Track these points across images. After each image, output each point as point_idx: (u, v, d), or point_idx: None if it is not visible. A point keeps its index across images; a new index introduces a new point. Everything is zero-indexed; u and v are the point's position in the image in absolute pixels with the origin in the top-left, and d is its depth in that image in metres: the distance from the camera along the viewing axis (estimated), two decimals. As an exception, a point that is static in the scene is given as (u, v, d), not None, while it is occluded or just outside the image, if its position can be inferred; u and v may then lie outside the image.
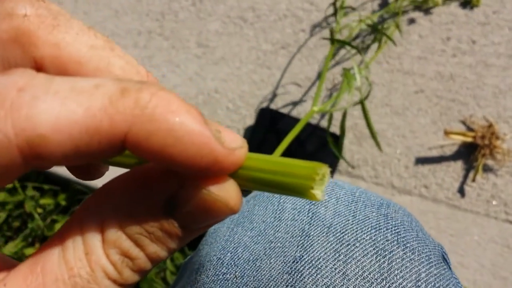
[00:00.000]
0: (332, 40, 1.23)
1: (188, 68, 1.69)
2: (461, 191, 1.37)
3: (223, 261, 0.56)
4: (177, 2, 1.78)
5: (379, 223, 0.54)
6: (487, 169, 1.36)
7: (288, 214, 0.57)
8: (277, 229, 0.56)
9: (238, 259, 0.56)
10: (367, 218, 0.54)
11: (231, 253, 0.57)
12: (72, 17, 0.30)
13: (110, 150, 0.24)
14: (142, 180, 0.27)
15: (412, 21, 1.51)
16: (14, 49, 0.28)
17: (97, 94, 0.23)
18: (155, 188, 0.27)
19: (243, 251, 0.56)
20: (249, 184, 0.28)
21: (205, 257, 0.60)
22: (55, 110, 0.22)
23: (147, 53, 1.75)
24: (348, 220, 0.54)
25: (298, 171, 0.26)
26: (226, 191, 0.27)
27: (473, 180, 1.34)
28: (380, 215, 0.55)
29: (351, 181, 1.46)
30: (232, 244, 0.58)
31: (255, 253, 0.56)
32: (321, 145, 1.47)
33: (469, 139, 1.32)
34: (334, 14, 1.37)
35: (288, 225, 0.56)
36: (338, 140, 1.46)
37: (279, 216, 0.58)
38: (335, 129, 1.49)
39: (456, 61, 1.46)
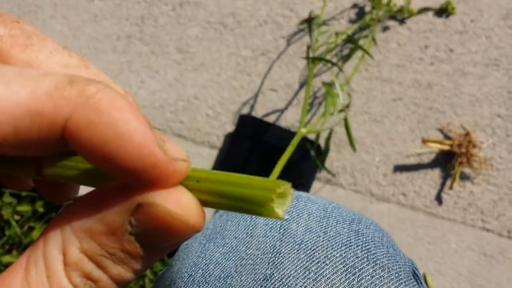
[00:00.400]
0: (312, 58, 1.23)
1: (168, 74, 1.68)
2: (439, 199, 1.38)
3: (194, 278, 0.56)
4: (157, 7, 1.77)
5: (350, 240, 0.54)
6: (464, 177, 1.37)
7: (260, 230, 0.57)
8: (249, 246, 0.56)
9: (209, 276, 0.55)
10: (338, 235, 0.54)
11: (202, 270, 0.57)
12: (47, 36, 0.30)
13: (50, 137, 0.24)
14: (102, 200, 0.27)
15: (388, 28, 1.52)
16: None
17: (44, 80, 0.24)
18: (115, 208, 0.26)
19: (214, 268, 0.56)
20: (207, 198, 0.27)
21: (176, 274, 0.59)
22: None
23: (126, 58, 1.74)
24: (319, 237, 0.54)
25: (258, 183, 0.26)
26: (184, 208, 0.26)
27: (451, 188, 1.35)
28: (351, 231, 0.55)
29: (330, 188, 1.46)
30: (204, 261, 0.58)
31: (226, 270, 0.55)
32: (302, 153, 1.47)
33: (446, 147, 1.33)
34: (309, 31, 1.37)
35: (260, 242, 0.56)
36: (320, 151, 1.46)
37: (251, 232, 0.57)
38: (318, 139, 1.49)
39: (434, 69, 1.47)
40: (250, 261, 0.55)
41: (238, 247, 0.56)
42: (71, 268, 0.26)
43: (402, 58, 1.50)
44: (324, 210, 0.58)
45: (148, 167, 0.24)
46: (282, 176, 1.46)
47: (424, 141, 1.34)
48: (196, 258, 0.58)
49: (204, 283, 0.55)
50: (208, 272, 0.56)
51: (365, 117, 1.48)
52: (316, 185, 1.47)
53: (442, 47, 1.48)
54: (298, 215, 0.57)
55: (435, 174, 1.40)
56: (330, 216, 0.57)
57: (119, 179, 0.26)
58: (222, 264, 0.56)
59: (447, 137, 1.39)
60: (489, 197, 1.36)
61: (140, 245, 0.26)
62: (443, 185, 1.38)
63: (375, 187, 1.43)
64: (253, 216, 0.59)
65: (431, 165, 1.40)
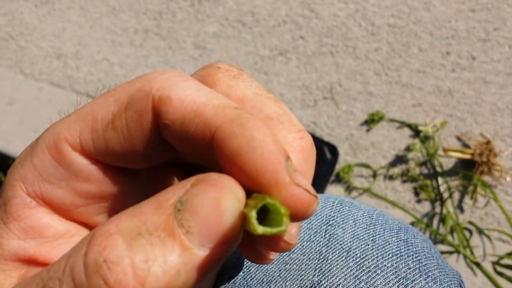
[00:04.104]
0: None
1: (184, 69, 1.67)
2: (460, 207, 1.37)
3: (234, 280, 0.55)
4: (175, 2, 1.76)
5: (400, 249, 0.52)
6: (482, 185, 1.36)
7: (304, 235, 0.56)
8: (293, 250, 0.55)
9: (251, 280, 0.54)
10: (387, 244, 0.53)
11: (243, 273, 0.55)
12: (253, 80, 0.36)
13: (203, 138, 0.28)
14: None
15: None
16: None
17: (220, 98, 0.29)
18: (170, 188, 0.27)
19: (256, 271, 0.55)
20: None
21: (214, 275, 0.58)
22: (188, 91, 0.29)
23: (143, 52, 1.72)
24: (368, 245, 0.53)
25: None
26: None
27: (471, 197, 1.33)
28: (400, 240, 0.54)
29: (344, 192, 1.45)
30: (244, 263, 0.56)
31: (269, 274, 0.54)
32: (317, 154, 1.45)
33: (467, 156, 1.32)
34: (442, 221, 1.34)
35: (304, 246, 0.54)
36: (334, 150, 1.45)
37: (294, 236, 0.56)
38: (330, 138, 1.48)
39: (455, 76, 1.46)
40: (294, 266, 0.53)
41: (281, 251, 0.55)
42: (94, 243, 0.24)
43: (423, 63, 1.49)
44: (369, 217, 0.56)
45: (270, 183, 0.26)
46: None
47: (445, 150, 1.32)
48: (236, 260, 0.57)
49: (245, 286, 0.54)
50: (249, 275, 0.55)
51: (383, 121, 1.46)
52: (330, 187, 1.46)
53: (464, 54, 1.47)
54: (343, 220, 0.56)
55: (454, 182, 1.38)
56: (377, 223, 0.55)
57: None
58: (264, 268, 0.55)
59: (465, 145, 1.38)
60: (506, 208, 1.35)
61: (181, 226, 0.25)
62: (463, 193, 1.37)
63: (390, 192, 1.42)
64: None
65: (449, 173, 1.39)
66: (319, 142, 1.46)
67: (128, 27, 1.76)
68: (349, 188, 1.44)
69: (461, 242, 1.29)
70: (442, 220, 1.35)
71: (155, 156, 0.32)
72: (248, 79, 0.35)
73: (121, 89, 0.31)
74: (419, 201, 1.39)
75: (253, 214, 0.25)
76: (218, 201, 0.25)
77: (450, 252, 1.32)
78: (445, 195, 1.37)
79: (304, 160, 0.34)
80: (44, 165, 0.31)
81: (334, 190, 1.46)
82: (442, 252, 1.34)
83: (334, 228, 0.55)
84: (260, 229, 0.25)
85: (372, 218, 0.56)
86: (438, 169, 1.38)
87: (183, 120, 0.28)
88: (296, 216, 0.27)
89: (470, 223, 1.34)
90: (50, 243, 0.32)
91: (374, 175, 1.43)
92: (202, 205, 0.25)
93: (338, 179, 1.46)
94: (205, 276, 0.26)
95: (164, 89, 0.29)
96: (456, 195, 1.37)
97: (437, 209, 1.38)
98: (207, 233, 0.25)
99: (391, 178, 1.43)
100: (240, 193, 0.26)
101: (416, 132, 1.42)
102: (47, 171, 0.31)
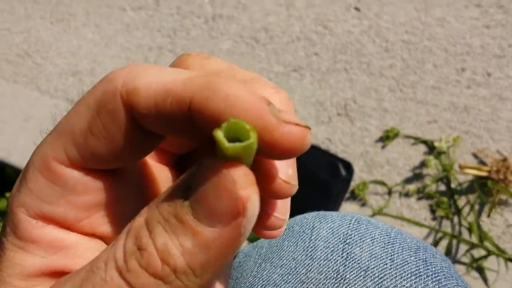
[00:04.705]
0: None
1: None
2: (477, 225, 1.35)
3: (252, 299, 0.54)
4: (189, 19, 1.77)
5: (419, 269, 0.52)
6: (499, 203, 1.34)
7: (321, 253, 0.55)
8: (309, 269, 0.54)
9: (268, 299, 0.54)
10: (406, 263, 0.52)
11: (260, 291, 0.55)
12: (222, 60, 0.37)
13: (180, 112, 0.28)
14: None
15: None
16: None
17: (185, 72, 0.30)
18: (180, 178, 0.28)
19: (273, 290, 0.54)
20: None
21: (230, 293, 0.57)
22: (151, 76, 0.29)
23: (157, 69, 1.73)
24: (386, 264, 0.52)
25: None
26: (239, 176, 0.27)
27: (488, 215, 1.32)
28: (419, 259, 0.53)
29: (359, 209, 1.44)
30: (261, 281, 0.56)
31: (286, 293, 0.53)
32: (331, 172, 1.45)
33: (483, 173, 1.31)
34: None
35: (321, 265, 0.54)
36: (349, 167, 1.44)
37: (311, 255, 0.55)
38: (345, 155, 1.47)
39: (471, 93, 1.45)
40: (312, 285, 0.53)
41: (297, 269, 0.54)
42: (130, 235, 0.28)
43: (438, 80, 1.48)
44: (387, 235, 0.56)
45: (260, 130, 0.26)
46: (312, 194, 1.43)
47: (461, 167, 1.31)
48: (252, 278, 0.57)
49: (263, 306, 0.53)
50: (266, 294, 0.54)
51: (399, 138, 1.45)
52: (345, 205, 1.45)
53: (479, 70, 1.46)
54: (360, 239, 0.55)
55: (470, 200, 1.37)
56: (395, 242, 0.55)
57: None
58: (281, 286, 0.54)
59: (482, 162, 1.37)
60: (524, 226, 1.33)
61: (189, 212, 0.27)
62: (480, 211, 1.35)
63: (406, 210, 1.40)
64: (312, 237, 0.57)
65: (466, 191, 1.37)
66: (333, 159, 1.46)
67: (142, 44, 1.77)
68: (364, 205, 1.43)
69: (494, 246, 1.28)
70: (459, 236, 1.34)
71: (142, 148, 0.33)
72: (220, 59, 0.36)
73: (88, 96, 0.31)
74: (435, 218, 1.38)
75: (219, 133, 0.25)
76: (215, 185, 0.26)
77: (479, 258, 1.30)
78: (462, 212, 1.35)
79: (285, 108, 0.34)
80: (39, 188, 0.32)
81: (349, 208, 1.44)
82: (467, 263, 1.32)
83: (352, 247, 0.54)
84: (230, 145, 0.25)
85: (390, 237, 0.56)
86: (454, 186, 1.37)
87: (156, 105, 0.29)
88: (294, 152, 0.28)
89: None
90: (72, 253, 0.34)
91: (389, 193, 1.42)
92: (202, 191, 0.27)
93: (353, 196, 1.45)
94: (228, 254, 0.27)
95: (128, 83, 0.29)
96: (473, 213, 1.35)
97: (455, 227, 1.36)
98: (212, 215, 0.26)
99: (406, 195, 1.41)
100: (234, 172, 0.27)
101: (431, 148, 1.41)
102: (44, 192, 0.32)
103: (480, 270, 1.32)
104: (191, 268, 0.27)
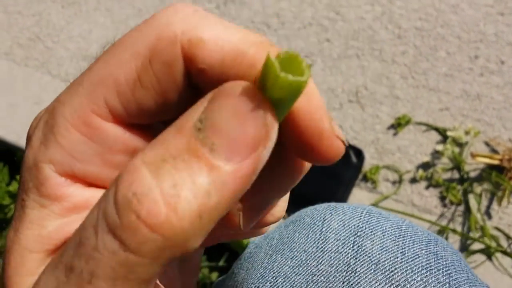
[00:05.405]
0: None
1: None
2: (488, 213, 1.35)
3: (262, 291, 0.54)
4: (201, 4, 1.76)
5: (430, 263, 0.52)
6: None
7: (332, 245, 0.55)
8: (320, 261, 0.54)
9: (278, 291, 0.54)
10: (417, 256, 0.52)
11: (270, 283, 0.55)
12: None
13: (247, 76, 0.26)
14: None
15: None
16: None
17: (250, 33, 0.27)
18: (188, 111, 0.25)
19: (283, 282, 0.54)
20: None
21: (241, 284, 0.57)
22: (217, 29, 0.27)
23: (168, 54, 1.73)
24: (397, 258, 0.52)
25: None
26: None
27: (499, 204, 1.31)
28: (430, 253, 0.53)
29: (370, 196, 1.44)
30: (272, 273, 0.56)
31: (296, 285, 0.53)
32: (342, 158, 1.44)
33: (495, 162, 1.30)
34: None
35: (332, 258, 0.54)
36: (360, 154, 1.44)
37: (321, 247, 0.55)
38: (355, 142, 1.47)
39: (484, 81, 1.43)
40: (322, 278, 0.53)
41: (308, 262, 0.55)
42: (122, 182, 0.23)
43: (451, 67, 1.47)
44: (398, 228, 0.56)
45: (314, 130, 0.27)
46: (322, 181, 1.43)
47: (473, 155, 1.31)
48: (263, 270, 0.57)
49: (273, 298, 0.53)
50: (276, 286, 0.54)
51: (410, 126, 1.45)
52: (356, 192, 1.45)
53: (493, 58, 1.44)
54: (371, 232, 0.55)
55: (482, 188, 1.36)
56: (406, 235, 0.55)
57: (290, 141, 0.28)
58: (291, 279, 0.54)
59: (494, 150, 1.36)
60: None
61: (204, 144, 0.24)
62: (491, 200, 1.34)
63: (417, 197, 1.40)
64: (323, 229, 0.57)
65: (477, 178, 1.37)
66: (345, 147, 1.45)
67: (154, 29, 1.77)
68: (374, 191, 1.43)
69: (490, 243, 1.28)
70: (469, 226, 1.34)
71: (187, 104, 0.28)
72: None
73: (133, 41, 0.28)
74: (445, 205, 1.38)
75: (271, 56, 0.23)
76: (237, 110, 0.24)
77: (478, 251, 1.31)
78: (472, 200, 1.35)
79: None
80: (73, 144, 0.29)
81: (359, 193, 1.44)
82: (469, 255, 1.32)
83: (363, 240, 0.54)
84: (283, 74, 0.23)
85: (401, 230, 0.56)
86: (466, 174, 1.36)
87: (222, 62, 0.26)
88: (325, 162, 0.29)
89: (497, 229, 1.32)
90: None
91: (400, 180, 1.41)
92: (221, 119, 0.24)
93: (365, 180, 1.45)
94: (238, 195, 0.24)
95: (190, 32, 0.26)
96: (484, 201, 1.35)
97: (464, 215, 1.36)
98: (232, 147, 0.24)
99: (417, 182, 1.41)
100: (259, 96, 0.24)
101: (444, 136, 1.40)
102: (78, 149, 0.29)
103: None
104: (200, 213, 0.23)
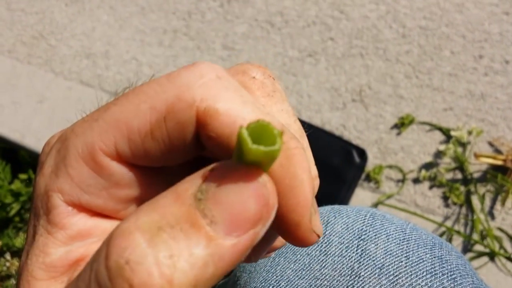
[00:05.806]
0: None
1: (213, 70, 1.66)
2: (491, 214, 1.34)
3: (265, 295, 0.54)
4: (204, 2, 1.76)
5: (434, 267, 0.51)
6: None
7: (335, 249, 0.55)
8: (324, 265, 0.54)
9: (281, 295, 0.53)
10: (422, 261, 0.52)
11: (273, 287, 0.55)
12: (287, 99, 0.36)
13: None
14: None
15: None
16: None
17: (266, 115, 0.29)
18: (187, 178, 0.25)
19: (286, 285, 0.54)
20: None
21: (244, 287, 0.57)
22: (234, 103, 0.28)
23: (171, 52, 1.72)
24: (401, 262, 0.52)
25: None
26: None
27: (503, 204, 1.31)
28: (435, 257, 0.52)
29: (373, 196, 1.43)
30: (274, 277, 0.56)
31: (299, 289, 0.53)
32: (345, 158, 1.44)
33: (499, 162, 1.29)
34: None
35: (336, 262, 0.54)
36: (363, 154, 1.43)
37: (325, 250, 0.55)
38: (359, 142, 1.46)
39: (488, 80, 1.43)
40: (326, 282, 0.52)
41: (311, 265, 0.54)
42: (114, 245, 0.23)
43: (455, 67, 1.46)
44: (402, 231, 0.55)
45: (293, 221, 0.29)
46: (325, 181, 1.43)
47: (476, 155, 1.30)
48: (266, 273, 0.56)
49: (276, 302, 0.53)
50: (280, 290, 0.54)
51: (414, 125, 1.44)
52: (359, 191, 1.44)
53: (497, 58, 1.44)
54: (375, 235, 0.55)
55: (485, 188, 1.36)
56: (410, 238, 0.54)
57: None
58: (294, 283, 0.54)
59: (497, 150, 1.35)
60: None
61: (205, 216, 0.23)
62: (494, 200, 1.34)
63: (420, 198, 1.40)
64: (327, 232, 0.57)
65: (480, 179, 1.36)
66: (347, 145, 1.45)
67: (157, 27, 1.77)
68: (377, 191, 1.42)
69: (493, 245, 1.27)
70: (472, 226, 1.33)
71: (190, 154, 0.31)
72: (281, 98, 0.35)
73: (153, 94, 0.29)
74: (448, 206, 1.37)
75: (244, 132, 0.24)
76: (241, 185, 0.24)
77: (481, 254, 1.30)
78: (475, 201, 1.34)
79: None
80: (82, 177, 0.30)
81: (362, 193, 1.44)
82: (472, 258, 1.32)
83: (367, 243, 0.54)
84: (254, 147, 0.23)
85: (406, 233, 0.55)
86: (469, 175, 1.36)
87: (231, 135, 0.28)
88: (299, 246, 0.31)
89: (500, 229, 1.32)
90: (99, 241, 0.32)
91: (403, 179, 1.41)
92: (224, 192, 0.24)
93: (368, 179, 1.44)
94: (235, 265, 0.25)
95: (208, 100, 0.28)
96: (487, 202, 1.35)
97: (467, 216, 1.35)
98: (232, 221, 0.24)
99: (420, 182, 1.41)
100: (264, 177, 0.25)
101: (447, 136, 1.40)
102: (86, 182, 0.30)
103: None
104: (196, 282, 0.23)
